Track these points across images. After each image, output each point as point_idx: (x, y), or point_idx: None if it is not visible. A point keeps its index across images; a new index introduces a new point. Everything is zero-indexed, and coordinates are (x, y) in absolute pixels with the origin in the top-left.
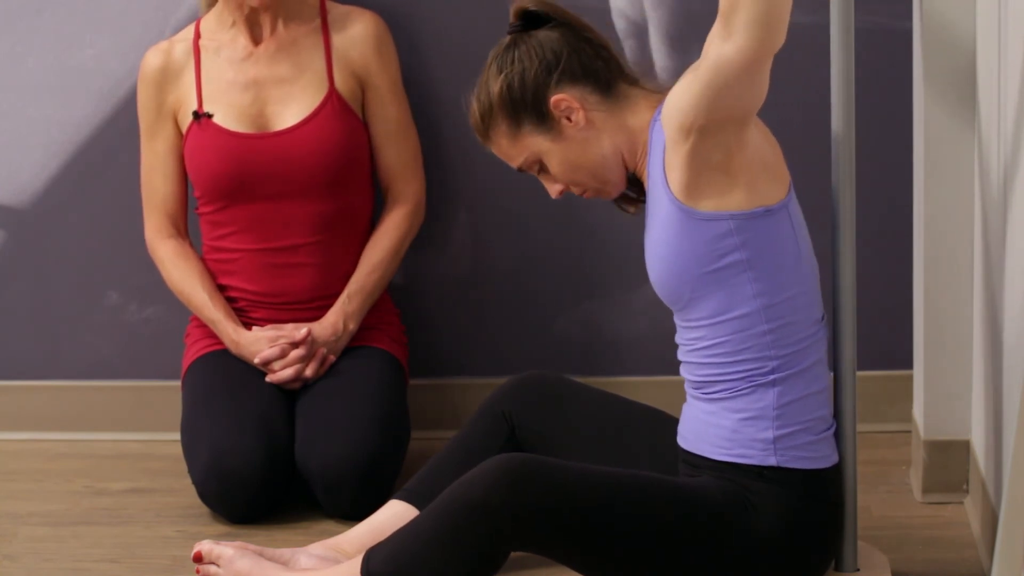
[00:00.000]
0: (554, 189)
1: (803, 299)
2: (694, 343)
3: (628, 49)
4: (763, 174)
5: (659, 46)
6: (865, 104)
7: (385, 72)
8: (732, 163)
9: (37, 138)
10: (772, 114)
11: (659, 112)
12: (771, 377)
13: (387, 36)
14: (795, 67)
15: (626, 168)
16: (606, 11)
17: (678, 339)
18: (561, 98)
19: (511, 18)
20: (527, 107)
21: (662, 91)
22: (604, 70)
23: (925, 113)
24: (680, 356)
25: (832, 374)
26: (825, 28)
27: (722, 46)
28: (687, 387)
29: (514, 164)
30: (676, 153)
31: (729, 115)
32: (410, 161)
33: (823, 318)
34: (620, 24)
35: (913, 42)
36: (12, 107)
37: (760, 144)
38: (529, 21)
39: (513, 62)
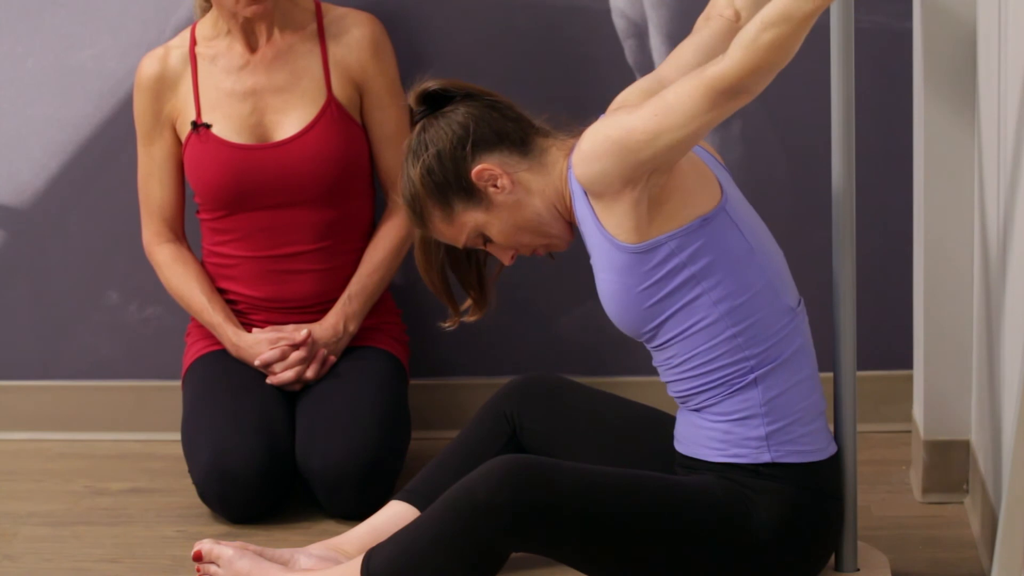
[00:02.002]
0: (505, 256)
1: (768, 293)
2: (669, 362)
3: (628, 49)
4: (693, 186)
5: (659, 46)
6: (865, 104)
7: (383, 75)
8: (666, 189)
9: (37, 138)
10: (773, 114)
11: (571, 159)
12: (752, 376)
13: (384, 37)
14: (795, 67)
15: (564, 217)
16: (606, 11)
17: (655, 363)
18: (482, 168)
19: (413, 105)
20: (451, 186)
21: (573, 135)
22: (516, 130)
23: (925, 113)
24: (662, 378)
25: (832, 374)
26: (825, 28)
27: (734, 101)
28: (676, 400)
29: (459, 243)
30: (618, 203)
31: (687, 150)
32: None
33: (799, 303)
34: (620, 24)
35: (913, 42)
36: (12, 107)
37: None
38: (433, 102)
39: (426, 146)
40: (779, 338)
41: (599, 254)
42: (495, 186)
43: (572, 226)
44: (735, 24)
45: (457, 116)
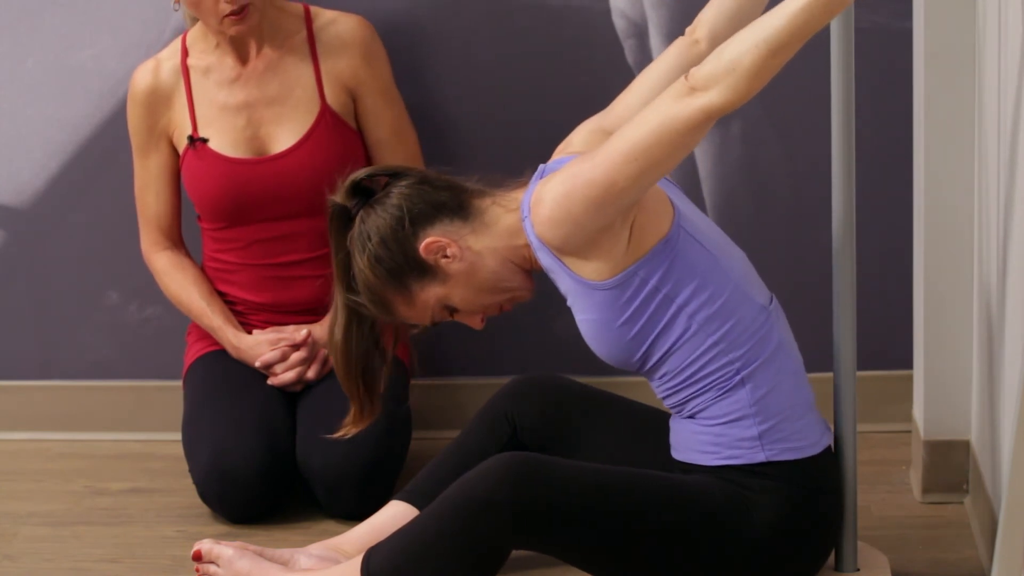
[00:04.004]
0: (474, 321)
1: (737, 295)
2: (661, 381)
3: (628, 49)
4: (653, 207)
5: (659, 46)
6: (865, 104)
7: (376, 79)
8: (636, 222)
9: (37, 138)
10: (772, 114)
11: (526, 211)
12: (738, 377)
13: (375, 41)
14: (795, 67)
15: (522, 268)
16: (606, 11)
17: (650, 383)
18: (428, 242)
19: (345, 202)
20: (403, 268)
21: (512, 189)
22: (451, 198)
23: (925, 113)
24: (657, 395)
25: (832, 374)
26: (825, 28)
27: (710, 123)
28: (670, 410)
29: (426, 322)
30: (595, 252)
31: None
32: (409, 163)
33: (771, 301)
34: (620, 24)
35: (913, 42)
36: (12, 107)
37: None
38: (364, 193)
39: (369, 236)
40: (758, 337)
41: (575, 298)
42: (445, 256)
43: (531, 274)
44: (693, 36)
45: (391, 199)
